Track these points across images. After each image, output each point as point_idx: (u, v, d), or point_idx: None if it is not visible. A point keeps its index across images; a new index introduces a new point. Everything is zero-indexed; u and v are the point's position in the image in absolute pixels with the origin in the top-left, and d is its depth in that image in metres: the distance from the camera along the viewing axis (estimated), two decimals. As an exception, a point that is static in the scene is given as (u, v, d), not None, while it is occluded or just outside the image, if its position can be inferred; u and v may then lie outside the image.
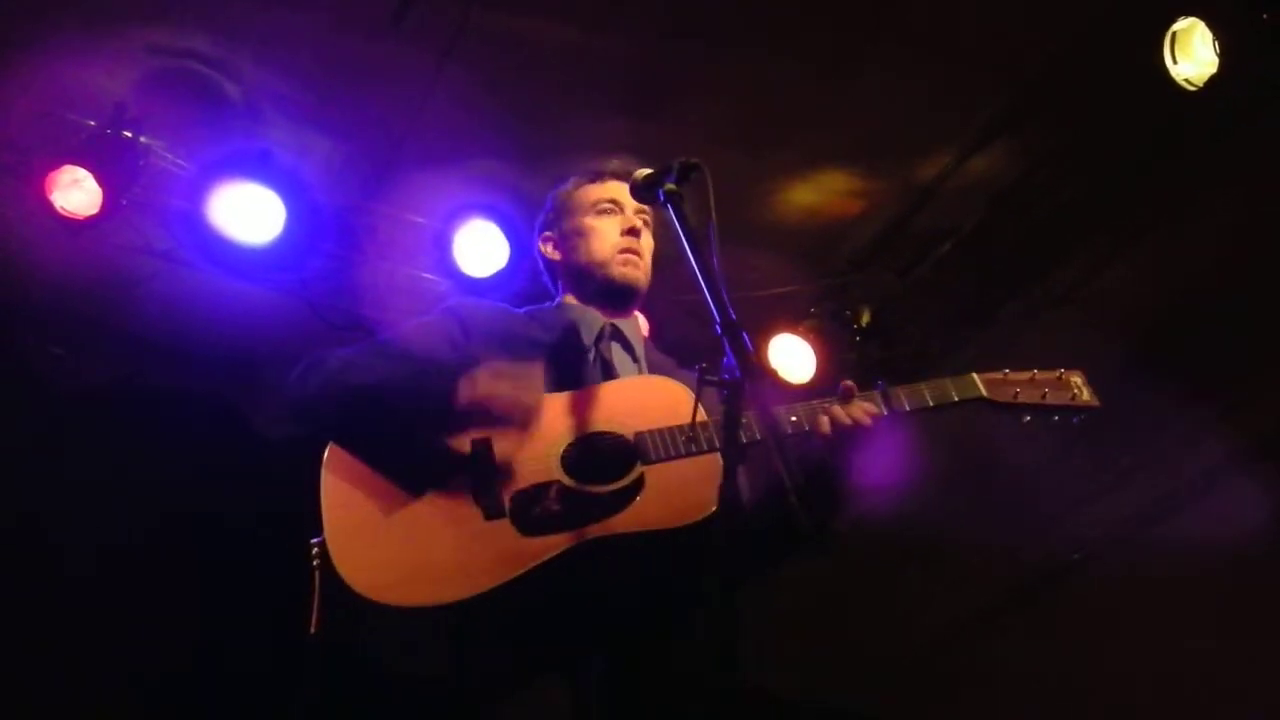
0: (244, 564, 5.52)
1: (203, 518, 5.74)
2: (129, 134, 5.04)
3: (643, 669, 2.61)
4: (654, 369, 3.03)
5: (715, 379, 2.36)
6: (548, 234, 3.26)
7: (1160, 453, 5.95)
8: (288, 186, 5.22)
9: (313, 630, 2.60)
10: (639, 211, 3.13)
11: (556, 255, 3.23)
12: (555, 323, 3.07)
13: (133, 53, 4.92)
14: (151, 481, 5.69)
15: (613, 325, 3.07)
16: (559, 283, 3.25)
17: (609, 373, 2.94)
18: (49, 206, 4.95)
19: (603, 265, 3.09)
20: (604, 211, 3.14)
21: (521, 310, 3.18)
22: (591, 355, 2.98)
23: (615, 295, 3.11)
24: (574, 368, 2.92)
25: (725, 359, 2.27)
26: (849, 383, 2.75)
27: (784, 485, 2.18)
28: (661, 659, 2.62)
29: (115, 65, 4.96)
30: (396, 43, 4.84)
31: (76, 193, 4.97)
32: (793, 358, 6.06)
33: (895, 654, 7.18)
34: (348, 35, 4.87)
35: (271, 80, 5.08)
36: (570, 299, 3.18)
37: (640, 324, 3.22)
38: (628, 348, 3.06)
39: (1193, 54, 4.52)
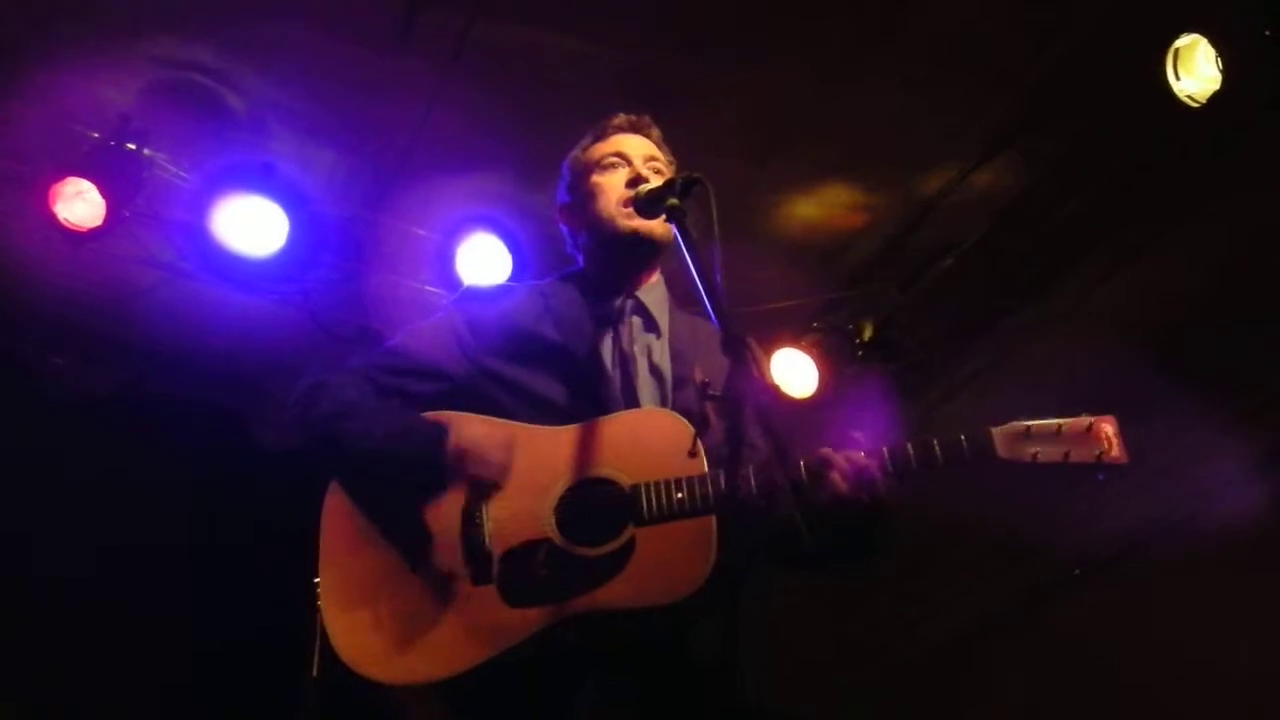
0: (245, 573, 5.52)
1: (204, 528, 5.73)
2: (132, 146, 5.05)
3: (645, 699, 2.59)
4: (678, 343, 2.94)
5: (718, 394, 2.35)
6: (564, 203, 3.15)
7: (1169, 463, 5.93)
8: (290, 199, 5.23)
9: (314, 674, 2.61)
10: (648, 160, 3.01)
11: (572, 223, 3.13)
12: (569, 307, 2.97)
13: (136, 65, 4.92)
14: (153, 492, 5.68)
15: (633, 299, 2.98)
16: (580, 253, 3.14)
17: (627, 370, 2.86)
18: (52, 218, 4.96)
19: (610, 220, 2.97)
20: (609, 166, 3.02)
21: (537, 289, 3.07)
22: (609, 353, 2.90)
23: (629, 251, 2.98)
24: (588, 371, 2.85)
25: (729, 375, 2.25)
26: (857, 434, 2.63)
27: (790, 507, 2.17)
28: (661, 676, 2.60)
29: (119, 77, 4.96)
30: (400, 55, 4.85)
31: (80, 204, 4.97)
32: (795, 371, 6.05)
33: (898, 663, 7.16)
34: (351, 48, 4.87)
35: (274, 92, 5.09)
36: (591, 269, 3.08)
37: (663, 288, 3.09)
38: (650, 323, 2.97)
39: (1195, 70, 4.52)
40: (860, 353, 6.16)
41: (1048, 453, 2.63)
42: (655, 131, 3.12)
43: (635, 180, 2.93)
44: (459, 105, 5.07)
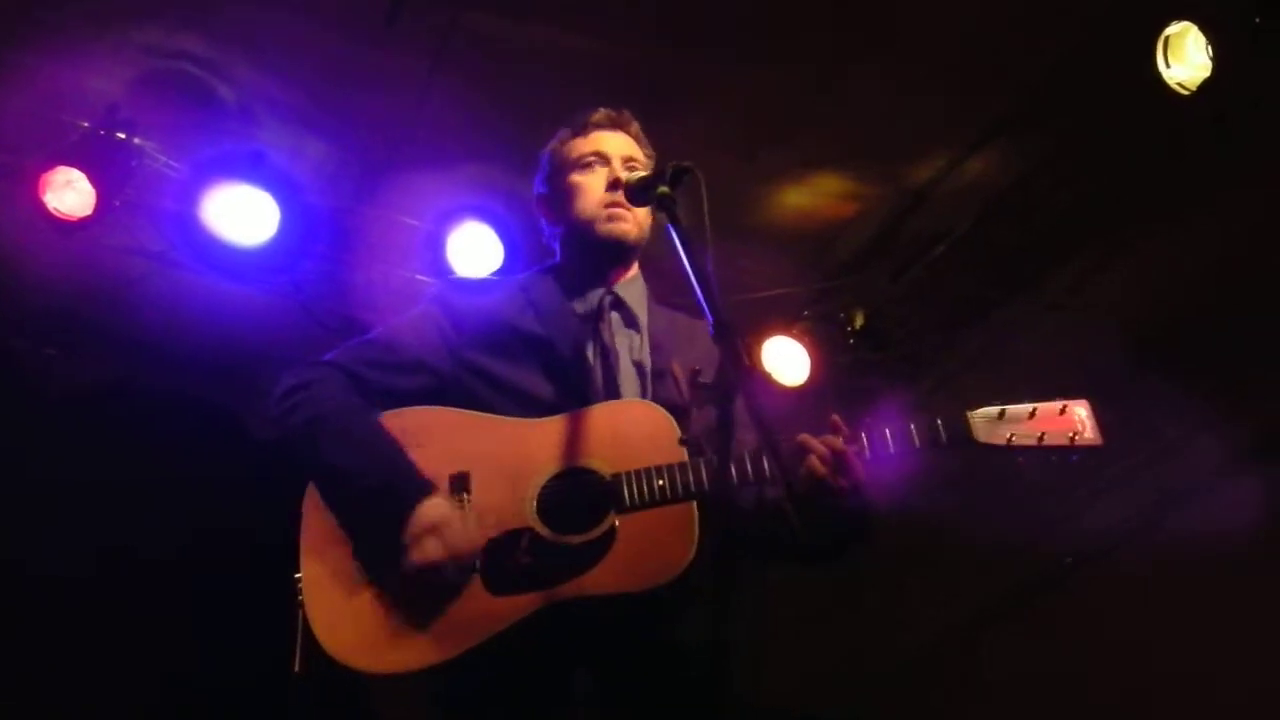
0: (236, 566, 5.51)
1: (195, 519, 5.73)
2: (122, 135, 5.03)
3: (633, 686, 2.60)
4: (657, 336, 2.96)
5: (708, 383, 2.36)
6: (541, 194, 3.16)
7: (1157, 455, 5.95)
8: (281, 188, 5.22)
9: (296, 669, 2.61)
10: (627, 160, 3.01)
11: (550, 216, 3.13)
12: (550, 301, 2.98)
13: (126, 54, 4.91)
14: (144, 482, 5.68)
15: (612, 295, 2.99)
16: (556, 244, 3.15)
17: (608, 363, 2.88)
18: (42, 207, 4.94)
19: (589, 224, 2.98)
20: (588, 166, 3.02)
21: (516, 283, 3.08)
22: (590, 347, 2.90)
23: (607, 253, 3.00)
24: (571, 364, 2.86)
25: (720, 364, 2.26)
26: (836, 418, 2.65)
27: (779, 497, 2.16)
28: (652, 675, 2.61)
29: (109, 66, 4.95)
30: (390, 45, 4.84)
31: (69, 194, 4.96)
32: (786, 360, 6.06)
33: (892, 661, 7.18)
34: (341, 37, 4.87)
35: (265, 82, 5.08)
36: (568, 263, 3.09)
37: (641, 282, 3.11)
38: (629, 318, 2.99)
39: (1185, 58, 4.52)
40: (852, 341, 6.16)
41: (1022, 435, 2.69)
42: (634, 126, 3.12)
43: (615, 184, 2.94)
44: (449, 94, 5.07)
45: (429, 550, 2.55)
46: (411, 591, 2.58)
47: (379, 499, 2.64)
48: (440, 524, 2.58)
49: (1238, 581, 5.57)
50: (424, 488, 2.64)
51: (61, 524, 5.55)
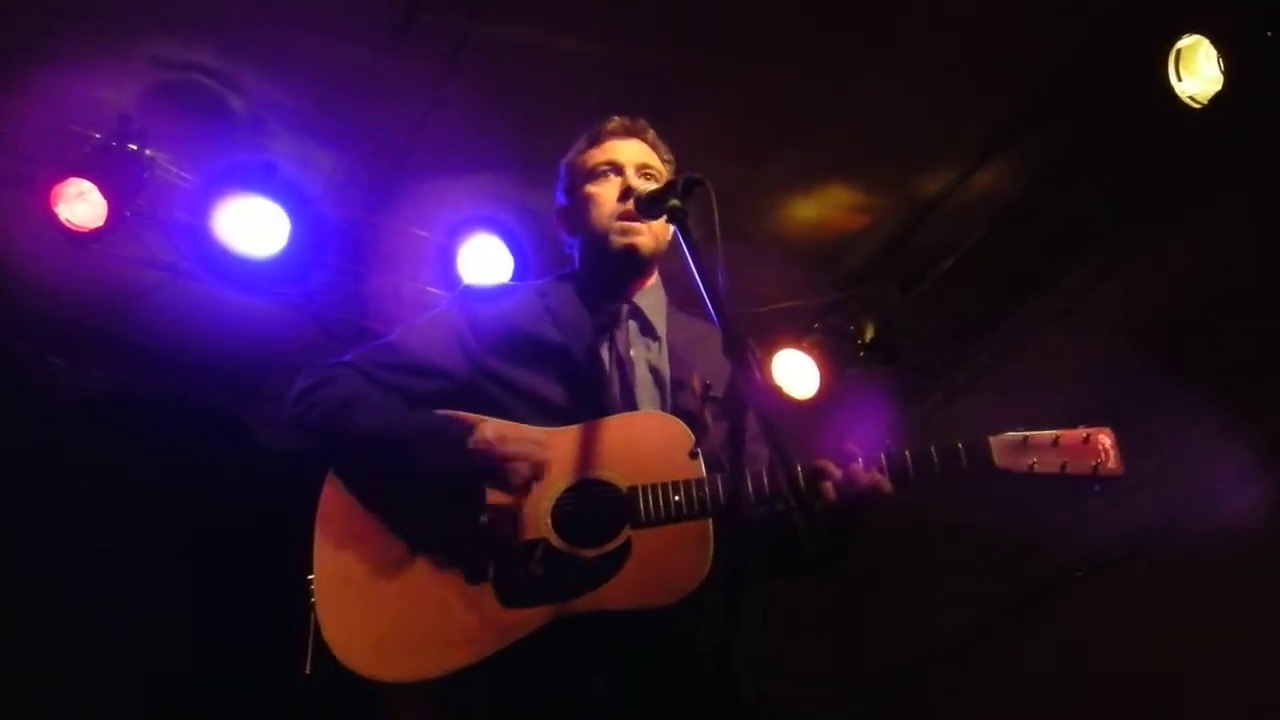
0: (243, 575, 5.52)
1: (203, 529, 5.74)
2: (134, 147, 5.05)
3: (646, 693, 2.59)
4: (677, 346, 2.95)
5: (719, 397, 2.35)
6: (560, 206, 3.15)
7: (1169, 462, 5.94)
8: (292, 199, 5.23)
9: (306, 671, 2.61)
10: (642, 168, 2.99)
11: (568, 228, 3.12)
12: (568, 309, 2.96)
13: (138, 66, 4.93)
14: (153, 492, 5.69)
15: (630, 305, 2.98)
16: (576, 254, 3.13)
17: (624, 372, 2.87)
18: (54, 218, 4.97)
19: (603, 235, 2.96)
20: (601, 175, 3.00)
21: (535, 289, 3.07)
22: (607, 356, 2.89)
23: (623, 265, 2.98)
24: (586, 372, 2.85)
25: (731, 378, 2.25)
26: (852, 447, 2.63)
27: (789, 507, 2.16)
28: (665, 683, 2.61)
29: (120, 78, 4.97)
30: (400, 56, 4.85)
31: (81, 205, 4.98)
32: (796, 373, 6.05)
33: (898, 662, 7.17)
34: (352, 49, 4.88)
35: (276, 93, 5.09)
36: (586, 273, 3.07)
37: (661, 291, 3.08)
38: (647, 327, 2.97)
39: (1197, 71, 4.52)
40: (862, 354, 6.15)
41: (1044, 463, 2.65)
42: (650, 133, 3.10)
43: (627, 193, 2.92)
44: (459, 105, 5.07)
45: (501, 429, 2.63)
46: (429, 583, 2.58)
47: (433, 435, 2.68)
48: (504, 428, 2.66)
49: (1248, 589, 5.56)
50: (473, 421, 2.69)
51: (67, 532, 5.56)
